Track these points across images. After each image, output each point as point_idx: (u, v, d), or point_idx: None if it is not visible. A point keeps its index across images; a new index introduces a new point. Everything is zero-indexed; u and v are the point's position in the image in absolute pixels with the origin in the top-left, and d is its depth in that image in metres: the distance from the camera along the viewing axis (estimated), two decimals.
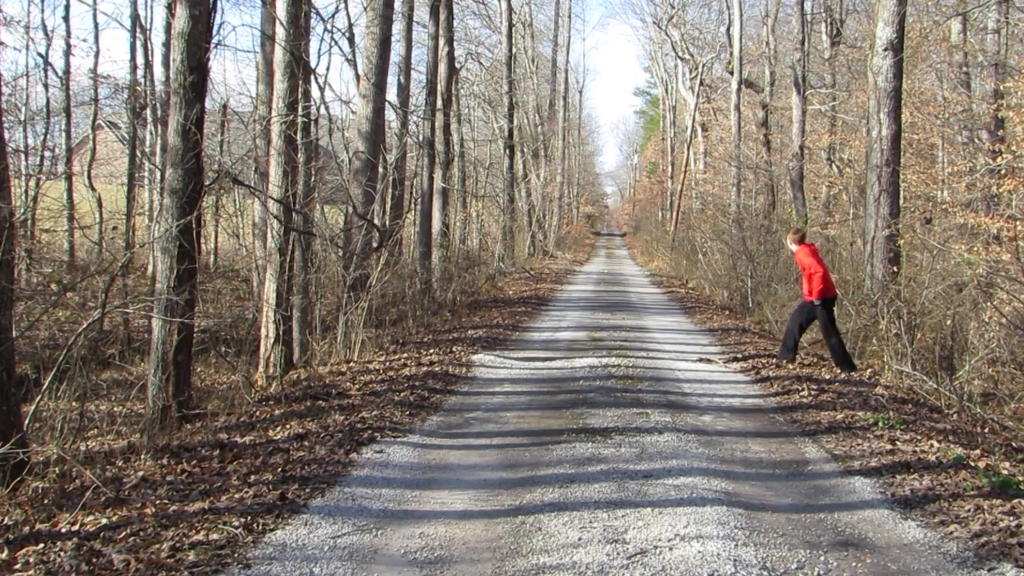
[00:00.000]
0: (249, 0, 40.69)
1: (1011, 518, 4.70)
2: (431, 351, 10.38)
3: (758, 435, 6.85)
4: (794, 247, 10.28)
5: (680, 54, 38.90)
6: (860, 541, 4.51)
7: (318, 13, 18.43)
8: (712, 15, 39.79)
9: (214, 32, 7.65)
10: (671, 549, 4.28)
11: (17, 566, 3.95)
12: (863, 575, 4.09)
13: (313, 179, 12.04)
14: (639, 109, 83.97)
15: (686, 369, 9.85)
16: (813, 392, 8.31)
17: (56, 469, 5.35)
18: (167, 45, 20.05)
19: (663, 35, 40.86)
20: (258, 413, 7.16)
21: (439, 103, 18.04)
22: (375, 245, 12.86)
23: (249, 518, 4.60)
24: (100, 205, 20.27)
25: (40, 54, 21.24)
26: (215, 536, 4.33)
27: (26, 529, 4.43)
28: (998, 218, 12.98)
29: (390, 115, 18.42)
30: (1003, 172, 14.23)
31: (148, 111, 22.37)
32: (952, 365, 9.52)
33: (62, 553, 4.04)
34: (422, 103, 19.18)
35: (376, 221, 14.64)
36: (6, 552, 4.10)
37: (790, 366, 9.83)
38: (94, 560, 4.00)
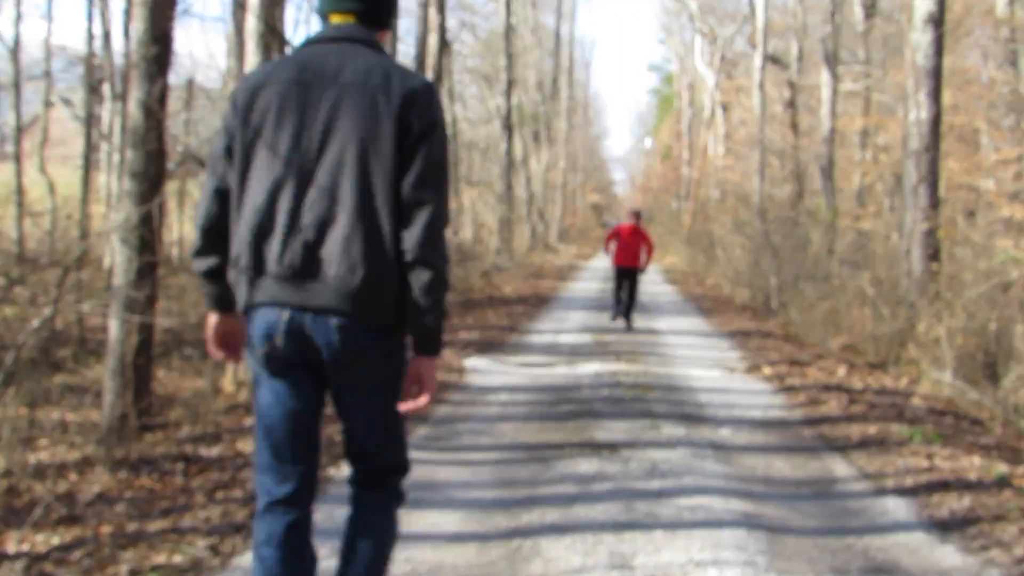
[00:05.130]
0: None
1: None
2: None
3: (781, 450, 6.87)
4: (630, 223, 14.04)
5: (698, 26, 38.90)
6: (893, 567, 4.53)
7: None
8: None
9: None
10: None
11: None
12: None
13: None
14: (652, 88, 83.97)
15: (702, 377, 9.88)
16: (843, 403, 8.34)
17: (3, 483, 5.35)
18: (128, 13, 20.03)
19: (679, 4, 40.87)
20: (226, 423, 7.17)
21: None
22: None
23: (216, 538, 4.61)
24: (53, 190, 20.23)
25: None
26: (178, 558, 4.34)
27: None
28: None
29: None
30: None
31: (106, 86, 22.31)
32: (996, 373, 9.54)
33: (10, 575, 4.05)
34: None
35: None
36: None
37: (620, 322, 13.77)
38: None
